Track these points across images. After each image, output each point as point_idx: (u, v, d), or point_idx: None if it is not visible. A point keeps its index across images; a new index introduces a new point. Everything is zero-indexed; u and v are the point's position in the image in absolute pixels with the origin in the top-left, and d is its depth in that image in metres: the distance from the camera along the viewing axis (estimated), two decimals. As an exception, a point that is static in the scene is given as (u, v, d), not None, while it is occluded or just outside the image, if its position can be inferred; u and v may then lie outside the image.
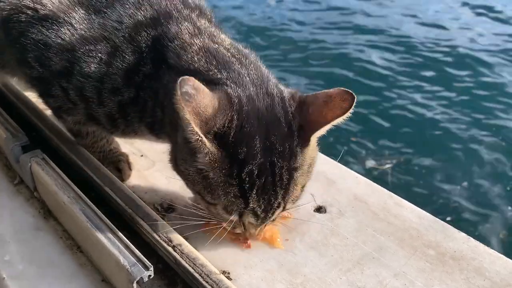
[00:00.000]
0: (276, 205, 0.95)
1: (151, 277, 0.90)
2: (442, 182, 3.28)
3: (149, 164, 1.31)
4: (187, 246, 0.97)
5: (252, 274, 1.01)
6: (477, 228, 2.91)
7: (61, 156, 1.25)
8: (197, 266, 0.92)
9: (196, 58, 0.99)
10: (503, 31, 5.32)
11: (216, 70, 0.97)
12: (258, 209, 0.94)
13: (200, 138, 0.86)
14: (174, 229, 1.05)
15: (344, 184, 1.26)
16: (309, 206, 1.19)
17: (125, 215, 1.06)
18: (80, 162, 1.17)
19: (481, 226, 2.94)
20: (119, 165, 1.25)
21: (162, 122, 1.05)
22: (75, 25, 1.05)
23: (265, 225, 1.02)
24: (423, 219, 1.15)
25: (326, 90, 0.96)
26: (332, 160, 1.35)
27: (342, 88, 0.94)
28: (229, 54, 1.01)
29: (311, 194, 1.22)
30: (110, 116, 1.10)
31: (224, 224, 0.99)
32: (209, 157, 0.89)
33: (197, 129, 0.85)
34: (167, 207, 1.17)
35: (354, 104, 0.93)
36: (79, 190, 1.07)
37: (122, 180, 1.22)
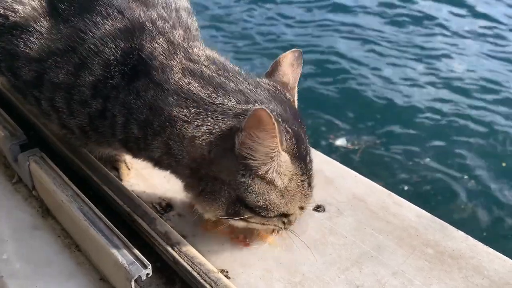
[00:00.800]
0: (313, 180, 1.00)
1: (149, 275, 0.90)
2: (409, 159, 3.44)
3: (147, 163, 1.31)
4: (185, 245, 0.97)
5: (250, 272, 1.01)
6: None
7: (59, 154, 1.24)
8: (195, 265, 0.92)
9: (186, 81, 0.95)
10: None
11: (223, 97, 0.93)
12: (309, 189, 0.99)
13: (283, 160, 0.89)
14: (173, 227, 1.06)
15: (343, 183, 1.26)
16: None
17: (124, 214, 1.06)
18: (78, 160, 1.17)
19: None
20: (116, 164, 1.24)
21: (144, 145, 0.99)
22: (45, 35, 1.01)
23: None
24: (421, 218, 1.15)
25: (282, 61, 1.06)
26: (330, 159, 1.35)
27: (292, 51, 1.07)
28: (214, 74, 0.97)
29: (309, 193, 1.22)
30: (81, 128, 1.06)
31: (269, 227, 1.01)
32: (286, 172, 0.91)
33: (282, 152, 0.88)
34: (165, 206, 1.17)
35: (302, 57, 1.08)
36: (77, 189, 1.07)
37: (120, 179, 1.22)
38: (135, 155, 1.07)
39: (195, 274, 0.90)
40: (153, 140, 0.96)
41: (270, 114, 0.80)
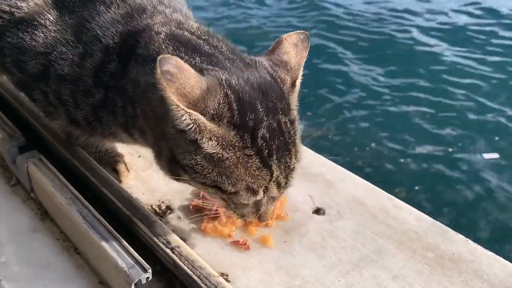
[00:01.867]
0: (292, 166, 0.92)
1: (149, 279, 0.90)
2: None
3: (146, 165, 1.30)
4: (185, 248, 0.96)
5: (250, 276, 1.00)
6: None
7: (58, 156, 1.24)
8: (196, 269, 0.92)
9: (163, 46, 0.93)
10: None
11: (187, 56, 0.91)
12: (281, 176, 0.90)
13: (196, 119, 0.80)
14: (173, 230, 1.06)
15: (342, 186, 1.26)
16: (308, 208, 1.18)
17: (123, 217, 1.06)
18: (77, 162, 1.16)
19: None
20: (116, 165, 1.24)
21: (134, 119, 0.99)
22: (49, 27, 1.03)
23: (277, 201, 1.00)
24: (421, 221, 1.15)
25: (285, 40, 0.99)
26: (331, 162, 1.35)
27: (298, 32, 1.00)
28: (194, 37, 0.96)
29: (309, 196, 1.22)
30: (86, 120, 1.07)
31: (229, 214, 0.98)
32: (215, 138, 0.83)
33: (189, 110, 0.79)
34: (165, 209, 1.16)
35: (309, 39, 1.00)
36: (76, 191, 1.07)
37: (120, 181, 1.22)
38: (132, 134, 1.05)
39: (195, 278, 0.90)
40: (137, 110, 0.97)
41: (169, 61, 0.78)
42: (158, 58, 0.77)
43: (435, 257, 1.06)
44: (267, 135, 0.86)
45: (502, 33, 5.13)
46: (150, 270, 0.89)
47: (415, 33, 5.11)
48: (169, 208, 1.16)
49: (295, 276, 1.01)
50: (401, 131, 3.72)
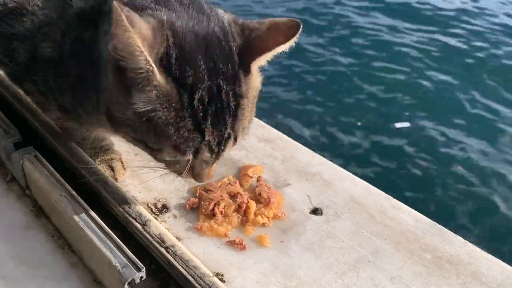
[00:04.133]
0: (226, 135, 0.87)
1: (143, 278, 0.88)
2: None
3: (142, 163, 1.29)
4: (180, 248, 0.95)
5: (246, 276, 0.99)
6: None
7: (53, 153, 1.22)
8: (190, 268, 0.91)
9: None
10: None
11: None
12: (213, 142, 0.86)
13: (150, 68, 0.75)
14: (168, 229, 1.05)
15: (340, 185, 1.25)
16: (305, 208, 1.17)
17: (118, 215, 1.04)
18: (71, 159, 1.15)
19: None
20: (112, 163, 1.22)
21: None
22: (36, 12, 1.00)
23: (216, 164, 0.96)
24: (419, 222, 1.14)
25: (273, 18, 0.90)
26: (329, 161, 1.34)
27: (288, 19, 0.89)
28: None
29: (307, 196, 1.21)
30: (73, 105, 1.04)
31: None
32: (157, 90, 0.78)
33: (148, 57, 0.74)
34: (161, 207, 1.15)
35: (299, 32, 0.87)
36: (71, 189, 1.05)
37: (115, 179, 1.20)
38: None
39: (189, 277, 0.89)
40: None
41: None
42: (113, 4, 0.71)
43: (433, 259, 1.05)
44: (206, 99, 0.81)
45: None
46: (144, 269, 0.88)
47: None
48: (165, 206, 1.15)
49: (292, 277, 1.00)
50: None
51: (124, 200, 1.05)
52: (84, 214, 0.99)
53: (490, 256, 1.06)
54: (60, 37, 0.97)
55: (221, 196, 1.13)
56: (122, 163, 1.24)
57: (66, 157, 1.17)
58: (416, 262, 1.04)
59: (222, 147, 0.89)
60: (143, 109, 0.80)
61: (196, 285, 0.87)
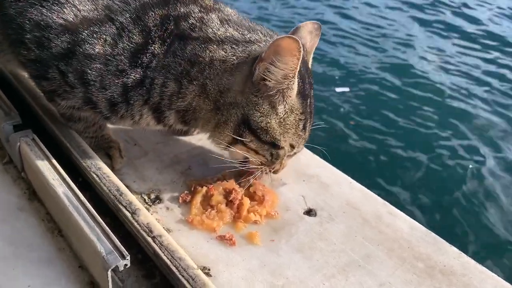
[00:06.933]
0: (309, 126, 1.14)
1: (127, 266, 0.87)
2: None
3: (141, 154, 1.29)
4: (167, 238, 0.94)
5: (233, 272, 0.98)
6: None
7: (52, 138, 1.23)
8: (175, 259, 0.89)
9: (223, 28, 1.10)
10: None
11: (249, 34, 1.11)
12: (306, 136, 1.15)
13: (292, 85, 1.03)
14: (159, 220, 1.04)
15: (338, 189, 1.23)
16: (299, 208, 1.16)
17: (109, 202, 1.04)
18: (69, 144, 1.15)
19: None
20: (110, 151, 1.22)
21: (174, 98, 1.09)
22: (78, 6, 1.03)
23: None
24: (415, 230, 1.12)
25: (302, 27, 1.18)
26: (328, 165, 1.32)
27: (312, 22, 1.20)
28: (242, 21, 1.15)
29: (302, 196, 1.19)
30: (110, 101, 1.08)
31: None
32: (291, 101, 1.07)
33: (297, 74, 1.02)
34: (154, 198, 1.14)
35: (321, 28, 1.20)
36: (64, 173, 1.05)
37: (112, 167, 1.20)
38: (162, 117, 1.14)
39: (173, 268, 0.88)
40: (189, 86, 1.08)
41: (298, 39, 0.95)
42: (289, 36, 0.97)
43: (425, 268, 1.03)
44: (309, 103, 1.11)
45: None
46: (128, 257, 0.87)
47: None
48: (158, 198, 1.15)
49: (279, 276, 0.98)
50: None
51: (114, 187, 1.04)
52: (74, 199, 0.98)
53: (484, 269, 1.04)
54: (112, 39, 1.04)
55: (213, 191, 1.13)
56: (120, 151, 1.24)
57: (63, 142, 1.17)
58: (408, 270, 1.02)
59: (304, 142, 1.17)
60: (282, 116, 1.07)
61: (179, 276, 0.86)
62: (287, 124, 1.08)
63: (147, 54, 1.04)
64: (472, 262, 1.06)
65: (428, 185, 3.32)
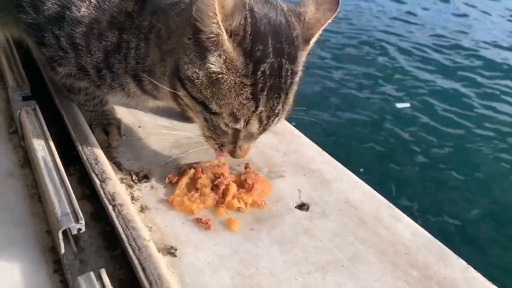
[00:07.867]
0: (277, 111, 0.95)
1: (81, 231, 0.83)
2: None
3: (143, 135, 1.26)
4: (127, 207, 0.89)
5: (200, 256, 0.90)
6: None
7: (57, 113, 1.24)
8: (128, 228, 0.84)
9: None
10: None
11: None
12: (264, 113, 0.93)
13: (220, 33, 0.85)
14: (139, 197, 1.00)
15: (338, 185, 1.12)
16: (291, 201, 1.06)
17: (86, 171, 1.01)
18: (64, 114, 1.15)
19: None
20: (108, 127, 1.21)
21: (145, 57, 1.02)
22: None
23: (254, 141, 1.02)
24: (417, 237, 0.98)
25: None
26: (335, 161, 1.22)
27: None
28: None
29: (298, 190, 1.10)
30: (96, 66, 1.07)
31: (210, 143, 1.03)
32: (225, 55, 0.88)
33: (221, 23, 0.84)
34: (142, 176, 1.10)
35: (340, 4, 0.99)
36: (52, 142, 1.04)
37: (109, 143, 1.19)
38: (142, 84, 1.08)
39: (123, 236, 0.82)
40: (152, 39, 1.01)
41: None
42: None
43: (419, 277, 0.89)
44: (267, 72, 0.90)
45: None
46: (83, 221, 0.82)
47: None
48: (146, 177, 1.10)
49: (249, 265, 0.89)
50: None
51: (95, 157, 1.02)
52: (51, 163, 0.97)
53: (494, 287, 0.88)
54: (96, 1, 1.02)
55: (201, 174, 1.07)
56: (119, 129, 1.22)
57: (61, 113, 1.18)
58: (398, 277, 0.89)
59: (270, 122, 0.96)
60: (213, 70, 0.89)
61: (127, 244, 0.80)
62: (222, 83, 0.89)
63: (122, 14, 1.02)
64: (481, 278, 0.90)
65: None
